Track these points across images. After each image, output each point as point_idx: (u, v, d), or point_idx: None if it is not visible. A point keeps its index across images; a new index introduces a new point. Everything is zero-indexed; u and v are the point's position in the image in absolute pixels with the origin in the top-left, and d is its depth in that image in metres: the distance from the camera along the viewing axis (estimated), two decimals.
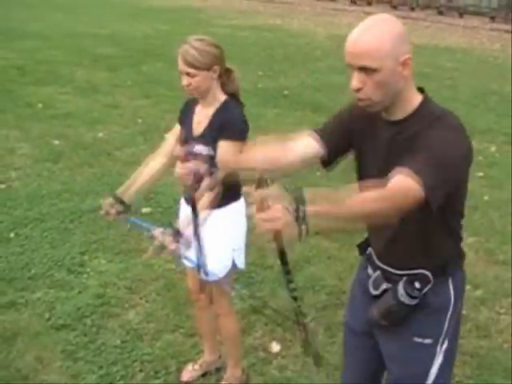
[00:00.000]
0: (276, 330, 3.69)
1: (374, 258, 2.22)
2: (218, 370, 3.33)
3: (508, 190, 6.06)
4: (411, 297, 2.06)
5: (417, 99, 1.97)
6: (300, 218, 1.63)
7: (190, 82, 2.67)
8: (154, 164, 2.90)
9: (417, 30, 21.54)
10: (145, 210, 5.13)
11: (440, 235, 2.07)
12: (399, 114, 1.97)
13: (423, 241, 2.05)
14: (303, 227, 1.63)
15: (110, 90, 9.55)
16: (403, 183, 1.76)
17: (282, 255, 1.84)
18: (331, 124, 2.18)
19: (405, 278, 2.08)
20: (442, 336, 2.13)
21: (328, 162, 2.17)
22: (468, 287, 2.62)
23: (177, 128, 2.93)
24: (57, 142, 6.91)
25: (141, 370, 3.30)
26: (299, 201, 1.64)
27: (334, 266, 4.47)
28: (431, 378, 2.15)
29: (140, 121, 7.95)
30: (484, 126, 8.02)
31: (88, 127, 7.53)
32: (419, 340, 2.13)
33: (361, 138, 2.11)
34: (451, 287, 2.12)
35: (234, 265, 2.92)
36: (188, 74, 2.65)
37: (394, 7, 31.30)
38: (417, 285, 2.06)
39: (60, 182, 5.77)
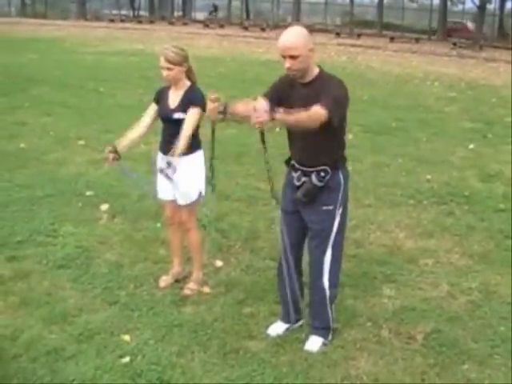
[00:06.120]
0: (216, 255, 5.16)
1: (295, 164, 3.78)
2: (185, 278, 4.72)
3: (366, 163, 7.96)
4: (320, 181, 3.64)
5: (317, 70, 3.60)
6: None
7: (169, 73, 4.09)
8: (139, 128, 4.27)
9: (270, 47, 23.65)
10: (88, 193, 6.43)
11: (334, 145, 3.69)
12: (308, 78, 3.58)
13: (324, 149, 3.64)
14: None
15: (12, 111, 10.56)
16: (317, 109, 3.37)
17: (262, 136, 3.57)
18: (269, 91, 3.73)
19: (315, 172, 3.66)
20: (338, 204, 3.73)
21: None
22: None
23: (153, 106, 4.32)
24: None
25: (129, 284, 4.63)
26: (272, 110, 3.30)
27: (244, 217, 6.02)
28: (335, 229, 3.76)
29: (52, 133, 9.09)
30: None
31: (7, 141, 8.59)
32: (325, 208, 3.72)
33: (287, 94, 3.67)
34: (341, 175, 3.73)
35: (200, 193, 4.36)
36: (168, 68, 4.07)
37: (245, 28, 33.70)
38: (322, 174, 3.65)
39: (5, 180, 6.84)
